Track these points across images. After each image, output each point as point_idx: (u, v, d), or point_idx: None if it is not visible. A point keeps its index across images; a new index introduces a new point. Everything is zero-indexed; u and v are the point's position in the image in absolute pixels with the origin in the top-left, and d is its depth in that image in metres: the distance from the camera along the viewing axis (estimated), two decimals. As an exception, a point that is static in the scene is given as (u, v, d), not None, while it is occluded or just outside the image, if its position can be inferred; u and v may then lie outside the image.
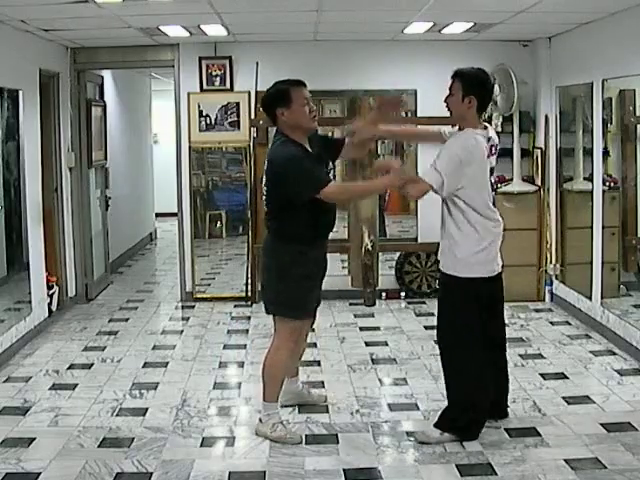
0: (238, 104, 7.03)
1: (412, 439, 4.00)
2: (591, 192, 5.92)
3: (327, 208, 4.01)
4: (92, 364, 5.38)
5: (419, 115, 7.03)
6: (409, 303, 7.07)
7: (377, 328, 6.26)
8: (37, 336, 6.03)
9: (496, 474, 3.59)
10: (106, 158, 7.92)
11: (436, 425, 3.99)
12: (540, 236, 6.92)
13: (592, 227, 5.91)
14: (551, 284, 6.91)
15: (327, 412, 4.38)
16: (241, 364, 5.40)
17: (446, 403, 4.06)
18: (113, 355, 5.58)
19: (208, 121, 7.06)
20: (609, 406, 4.41)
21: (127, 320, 6.64)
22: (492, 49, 6.89)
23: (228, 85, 7.04)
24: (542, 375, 4.98)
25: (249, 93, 6.94)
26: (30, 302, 6.00)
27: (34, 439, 4.04)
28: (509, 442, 3.93)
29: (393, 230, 7.95)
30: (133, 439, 4.04)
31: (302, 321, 4.12)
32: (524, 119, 6.97)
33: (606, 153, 5.90)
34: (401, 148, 7.70)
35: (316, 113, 4.01)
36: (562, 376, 4.96)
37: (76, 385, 4.92)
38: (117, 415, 4.40)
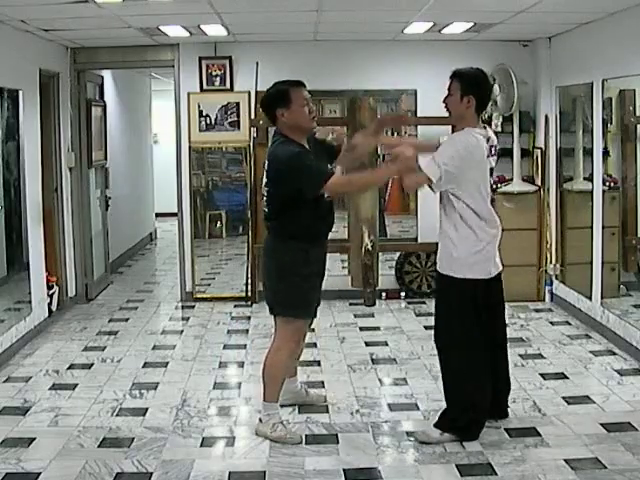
0: (238, 104, 7.03)
1: (412, 439, 4.00)
2: (591, 192, 5.92)
3: (327, 207, 4.02)
4: (92, 364, 5.38)
5: (419, 115, 7.03)
6: (409, 303, 7.07)
7: (377, 328, 6.26)
8: (37, 336, 6.03)
9: (496, 474, 3.59)
10: (106, 158, 7.92)
11: (436, 425, 3.99)
12: (540, 236, 6.92)
13: (592, 227, 5.91)
14: (551, 284, 6.91)
15: (327, 412, 4.39)
16: (241, 364, 5.40)
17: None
18: (113, 355, 5.58)
19: (208, 121, 7.06)
20: (609, 406, 4.41)
21: (127, 320, 6.64)
22: (492, 49, 6.89)
23: (228, 85, 7.04)
24: (542, 375, 4.98)
25: (249, 93, 6.94)
26: (30, 302, 6.00)
27: (34, 439, 4.04)
28: (509, 442, 3.93)
29: (393, 230, 7.95)
30: (133, 439, 4.04)
31: (304, 321, 4.13)
32: (524, 119, 6.97)
33: (606, 153, 5.90)
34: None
35: (315, 114, 4.02)
36: (562, 376, 4.96)
37: (76, 385, 4.92)
38: (117, 415, 4.40)
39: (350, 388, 4.82)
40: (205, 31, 6.28)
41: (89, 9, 5.00)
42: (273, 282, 4.06)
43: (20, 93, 5.79)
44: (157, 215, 11.62)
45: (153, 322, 6.64)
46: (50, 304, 6.46)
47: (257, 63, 6.83)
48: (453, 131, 4.06)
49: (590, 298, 6.03)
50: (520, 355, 5.37)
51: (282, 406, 4.20)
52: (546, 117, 6.79)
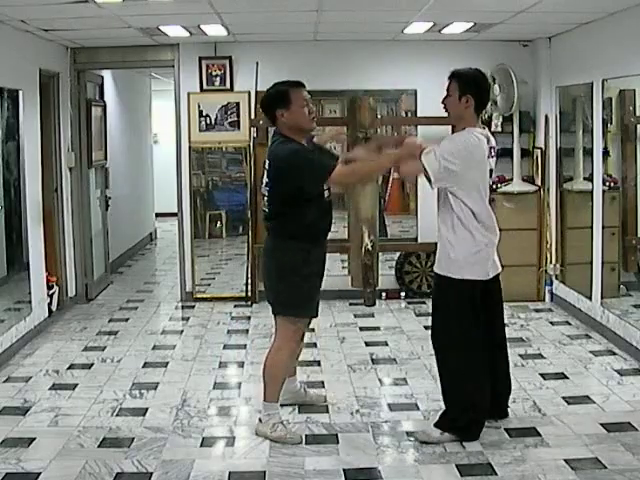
0: (238, 104, 7.03)
1: (412, 439, 4.00)
2: (591, 192, 5.91)
3: (326, 207, 4.04)
4: (92, 364, 5.38)
5: (419, 115, 7.03)
6: (409, 303, 7.07)
7: (377, 328, 6.26)
8: (37, 336, 6.03)
9: (496, 474, 3.59)
10: (106, 158, 7.92)
11: (436, 425, 3.99)
12: (540, 236, 6.92)
13: (592, 227, 5.91)
14: (551, 284, 6.91)
15: (327, 412, 4.39)
16: (241, 364, 5.40)
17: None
18: (113, 355, 5.58)
19: (208, 121, 7.06)
20: (609, 406, 4.41)
21: (127, 320, 6.64)
22: (492, 49, 6.89)
23: (228, 85, 7.04)
24: (542, 375, 4.98)
25: (249, 93, 6.94)
26: (30, 302, 6.00)
27: (34, 439, 4.04)
28: (509, 442, 3.93)
29: (393, 230, 7.95)
30: (133, 439, 4.04)
31: (305, 321, 4.13)
32: (524, 119, 6.97)
33: (606, 153, 5.90)
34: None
35: (315, 114, 4.04)
36: (562, 376, 4.96)
37: (76, 385, 4.92)
38: (117, 415, 4.40)
39: (350, 388, 4.81)
40: (205, 31, 6.28)
41: (89, 9, 5.00)
42: (273, 282, 4.06)
43: (20, 93, 5.79)
44: (157, 215, 11.62)
45: (153, 322, 6.64)
46: (50, 304, 6.46)
47: (257, 63, 6.83)
48: (453, 131, 4.07)
49: (590, 298, 6.03)
50: (520, 355, 5.37)
51: (282, 405, 4.20)
52: (546, 117, 6.79)
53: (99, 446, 3.97)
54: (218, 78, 7.03)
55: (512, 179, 6.93)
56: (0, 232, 5.72)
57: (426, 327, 6.09)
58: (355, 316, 6.63)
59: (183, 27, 6.13)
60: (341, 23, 6.07)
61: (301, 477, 3.62)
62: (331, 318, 6.52)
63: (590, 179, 5.98)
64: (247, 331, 6.24)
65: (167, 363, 5.40)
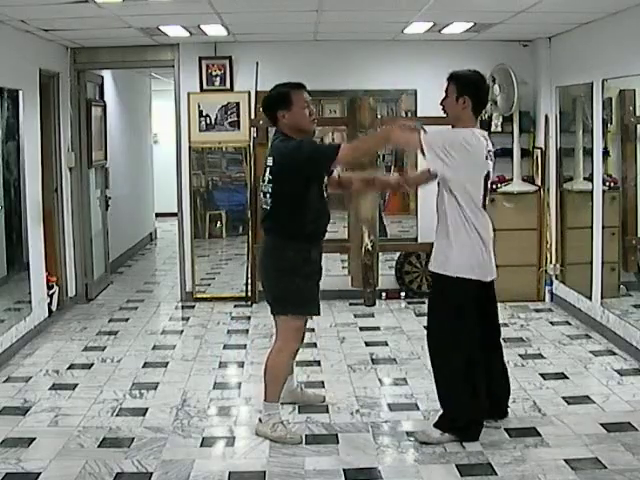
0: (238, 104, 7.03)
1: (412, 439, 4.00)
2: (591, 192, 5.91)
3: (324, 207, 4.06)
4: (92, 364, 5.38)
5: (419, 115, 7.02)
6: (409, 303, 7.07)
7: (377, 328, 6.26)
8: (37, 336, 6.03)
9: (496, 474, 3.59)
10: (106, 158, 7.92)
11: (436, 425, 3.99)
12: (540, 236, 6.92)
13: (592, 227, 5.90)
14: (551, 284, 6.91)
15: (327, 412, 4.39)
16: (241, 364, 5.40)
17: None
18: (113, 355, 5.58)
19: (208, 121, 7.06)
20: (609, 406, 4.41)
21: (127, 320, 6.64)
22: (492, 49, 6.89)
23: (228, 85, 7.04)
24: (542, 375, 4.98)
25: (249, 93, 6.94)
26: (30, 302, 6.00)
27: (34, 439, 4.04)
28: (509, 442, 3.93)
29: (393, 230, 7.95)
30: (133, 439, 4.04)
31: (305, 320, 4.14)
32: (524, 119, 6.97)
33: (606, 153, 5.90)
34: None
35: (316, 116, 4.08)
36: (562, 376, 4.96)
37: (76, 385, 4.92)
38: (117, 415, 4.40)
39: (350, 388, 4.82)
40: (205, 31, 6.28)
41: (89, 9, 5.00)
42: (272, 282, 4.06)
43: (20, 93, 5.79)
44: (157, 215, 11.62)
45: (153, 322, 6.64)
46: (50, 304, 6.46)
47: (257, 63, 6.83)
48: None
49: (590, 298, 6.03)
50: (520, 355, 5.36)
51: (282, 404, 4.20)
52: (546, 117, 6.79)
53: (99, 446, 3.97)
54: (218, 78, 7.03)
55: (512, 179, 6.93)
56: (0, 232, 5.72)
57: (426, 327, 6.11)
58: (355, 316, 6.63)
59: (183, 27, 6.13)
60: (341, 23, 6.07)
61: (301, 477, 3.62)
62: (331, 318, 6.52)
63: (590, 179, 5.98)
64: (247, 331, 6.24)
65: (167, 363, 5.40)
